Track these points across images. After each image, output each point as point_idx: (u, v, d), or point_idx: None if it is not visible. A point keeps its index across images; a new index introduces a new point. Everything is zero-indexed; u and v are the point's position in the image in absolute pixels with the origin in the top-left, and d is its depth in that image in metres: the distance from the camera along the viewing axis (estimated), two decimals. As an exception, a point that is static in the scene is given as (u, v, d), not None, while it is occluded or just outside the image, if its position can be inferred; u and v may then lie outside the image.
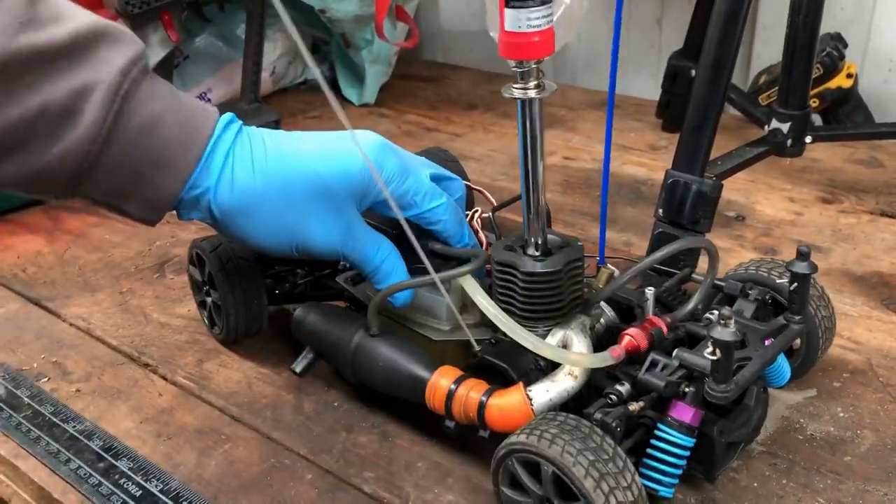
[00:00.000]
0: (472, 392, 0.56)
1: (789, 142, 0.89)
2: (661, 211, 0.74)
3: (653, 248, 0.74)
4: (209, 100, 1.34)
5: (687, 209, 0.72)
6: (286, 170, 0.57)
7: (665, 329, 0.56)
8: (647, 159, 1.12)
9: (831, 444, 0.61)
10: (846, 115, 1.09)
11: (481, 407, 0.55)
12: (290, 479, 0.61)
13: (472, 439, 0.58)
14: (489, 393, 0.55)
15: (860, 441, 0.61)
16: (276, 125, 1.20)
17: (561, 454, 0.47)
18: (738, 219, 0.95)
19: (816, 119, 1.10)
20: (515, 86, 0.52)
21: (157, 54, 1.08)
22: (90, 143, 0.52)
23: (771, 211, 0.96)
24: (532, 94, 0.52)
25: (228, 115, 0.58)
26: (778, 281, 0.62)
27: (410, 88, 1.48)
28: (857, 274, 0.83)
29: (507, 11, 0.48)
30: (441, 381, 0.57)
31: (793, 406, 0.65)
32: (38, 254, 0.97)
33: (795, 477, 0.58)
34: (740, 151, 0.85)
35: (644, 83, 1.36)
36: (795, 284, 0.55)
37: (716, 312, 0.58)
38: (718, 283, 0.61)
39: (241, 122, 0.59)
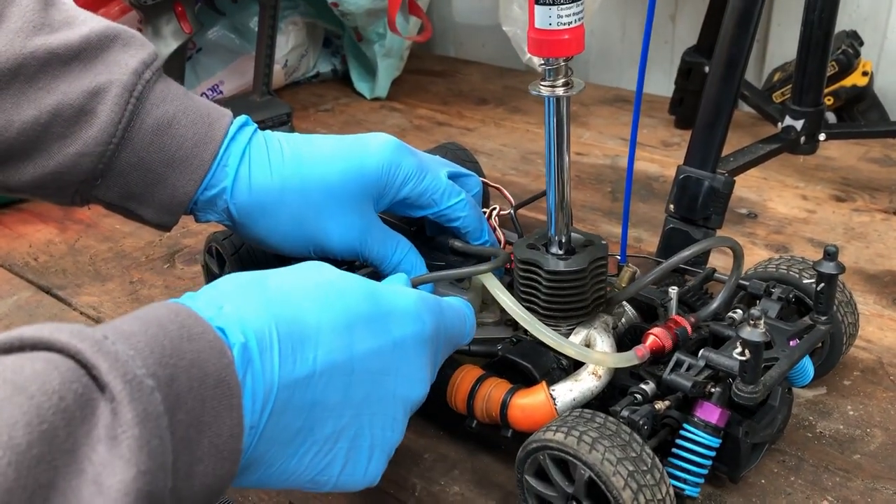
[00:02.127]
0: (494, 391, 0.55)
1: (803, 139, 0.89)
2: (672, 206, 0.73)
3: (664, 243, 0.74)
4: (221, 92, 1.35)
5: (699, 205, 0.71)
6: (304, 170, 0.57)
7: (689, 329, 0.55)
8: (660, 155, 1.12)
9: (841, 442, 0.61)
10: (861, 113, 1.08)
11: (504, 406, 0.55)
12: (297, 469, 0.61)
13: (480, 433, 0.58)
14: (512, 392, 0.55)
15: (870, 439, 0.61)
16: (287, 118, 1.20)
17: (601, 462, 0.47)
18: (751, 216, 0.95)
19: (831, 117, 1.09)
20: (543, 83, 0.52)
21: (169, 46, 1.09)
22: (105, 143, 0.52)
23: (783, 208, 0.96)
24: (560, 91, 0.52)
25: (243, 118, 0.58)
26: (805, 282, 0.61)
27: (422, 83, 1.48)
28: (870, 273, 0.82)
29: (538, 8, 0.48)
30: (462, 379, 0.57)
31: (803, 403, 0.64)
32: (50, 243, 0.97)
33: (804, 474, 0.58)
34: (753, 148, 0.84)
35: (657, 79, 1.35)
36: (822, 285, 0.55)
37: (739, 311, 0.58)
38: (742, 282, 0.61)
39: (255, 124, 0.59)
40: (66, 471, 0.28)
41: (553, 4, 0.47)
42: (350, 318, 0.42)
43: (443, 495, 0.58)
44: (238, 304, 0.39)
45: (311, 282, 0.42)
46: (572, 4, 0.47)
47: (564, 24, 0.48)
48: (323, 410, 0.40)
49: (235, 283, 0.41)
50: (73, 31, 0.52)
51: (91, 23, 0.53)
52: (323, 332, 0.40)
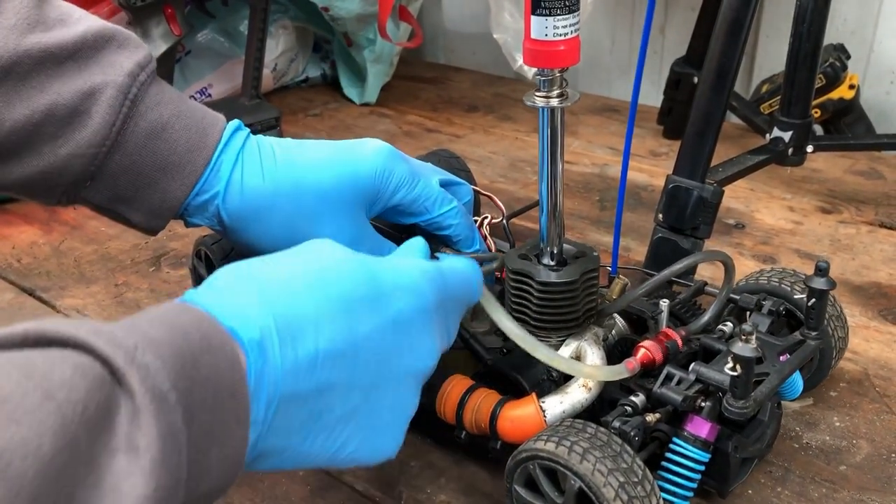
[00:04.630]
0: (483, 402, 0.55)
1: (790, 150, 0.89)
2: (660, 216, 0.73)
3: (652, 253, 0.74)
4: (210, 95, 1.34)
5: (687, 214, 0.72)
6: (297, 176, 0.57)
7: (680, 342, 0.55)
8: (648, 165, 1.12)
9: (827, 453, 0.61)
10: (847, 126, 1.09)
11: (493, 418, 0.54)
12: (282, 476, 0.60)
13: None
14: (501, 404, 0.54)
15: (856, 451, 0.61)
16: (276, 122, 1.19)
17: (592, 472, 0.46)
18: (738, 227, 0.95)
19: (817, 129, 1.09)
20: (538, 94, 0.51)
21: (158, 48, 1.08)
22: (98, 146, 0.51)
23: (770, 219, 0.96)
24: (555, 102, 0.51)
25: (236, 122, 0.58)
26: (797, 296, 0.61)
27: (412, 89, 1.48)
28: (856, 284, 0.83)
29: (534, 19, 0.47)
30: (452, 390, 0.57)
31: (789, 414, 0.64)
32: (34, 244, 0.96)
33: (790, 485, 0.58)
34: (741, 159, 0.85)
35: (646, 90, 1.36)
36: (814, 300, 0.55)
37: (729, 325, 0.58)
38: (732, 295, 0.60)
39: (248, 129, 0.59)
40: (84, 481, 0.28)
41: (549, 15, 0.47)
42: (348, 302, 0.41)
43: (429, 503, 0.58)
44: (238, 303, 0.38)
45: (308, 268, 0.42)
46: (569, 16, 0.47)
47: (560, 35, 0.47)
48: (330, 396, 0.40)
49: (231, 279, 0.41)
50: (69, 30, 0.51)
51: (86, 21, 0.52)
52: (322, 319, 0.40)
